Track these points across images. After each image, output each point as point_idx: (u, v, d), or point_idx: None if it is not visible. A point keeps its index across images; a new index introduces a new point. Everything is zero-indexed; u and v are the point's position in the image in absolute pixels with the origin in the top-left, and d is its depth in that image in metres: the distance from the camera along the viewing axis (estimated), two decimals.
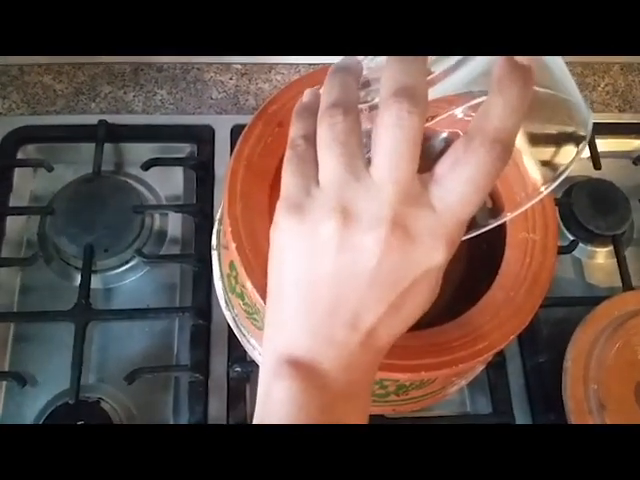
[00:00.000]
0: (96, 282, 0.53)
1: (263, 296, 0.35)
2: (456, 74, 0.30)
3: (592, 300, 0.52)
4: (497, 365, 0.52)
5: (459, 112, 0.34)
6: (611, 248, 0.59)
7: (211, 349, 0.51)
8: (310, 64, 0.67)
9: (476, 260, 0.48)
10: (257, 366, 0.44)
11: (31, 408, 0.50)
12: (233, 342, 0.51)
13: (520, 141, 0.31)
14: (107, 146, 0.58)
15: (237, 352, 0.51)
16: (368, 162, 0.28)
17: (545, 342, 0.53)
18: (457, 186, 0.27)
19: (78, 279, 0.52)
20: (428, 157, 0.30)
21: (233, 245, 0.36)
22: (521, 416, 0.51)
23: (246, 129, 0.39)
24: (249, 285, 0.35)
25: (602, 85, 0.71)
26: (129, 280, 0.55)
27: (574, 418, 0.47)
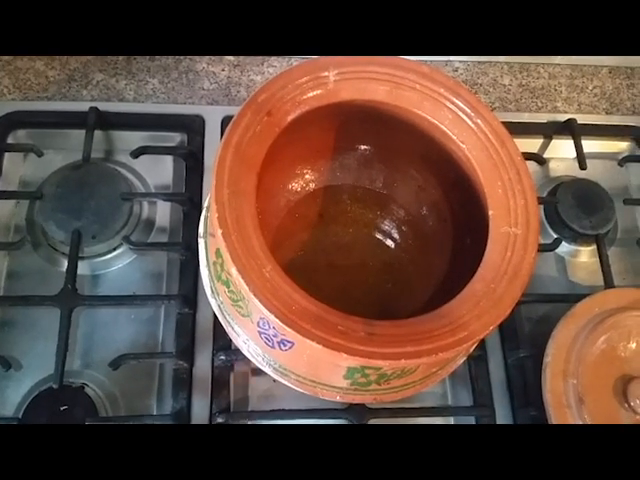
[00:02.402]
0: (83, 268, 0.54)
1: (247, 282, 0.35)
2: None
3: (574, 297, 0.53)
4: (478, 359, 0.53)
5: None
6: (594, 247, 0.59)
7: (196, 337, 0.52)
8: (303, 58, 0.67)
9: (460, 255, 0.49)
10: (241, 355, 0.44)
11: (15, 392, 0.50)
12: (218, 331, 0.51)
13: None
14: (97, 133, 0.58)
15: (222, 341, 0.51)
16: None
17: (527, 337, 0.54)
18: None
19: (65, 265, 0.52)
20: None
21: (219, 231, 0.36)
22: (501, 409, 0.52)
23: (235, 117, 0.39)
24: (234, 271, 0.36)
25: (590, 87, 0.72)
26: (116, 267, 0.55)
27: (553, 412, 0.48)
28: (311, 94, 0.42)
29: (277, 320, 0.35)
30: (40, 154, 0.58)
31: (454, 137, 0.43)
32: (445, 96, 0.43)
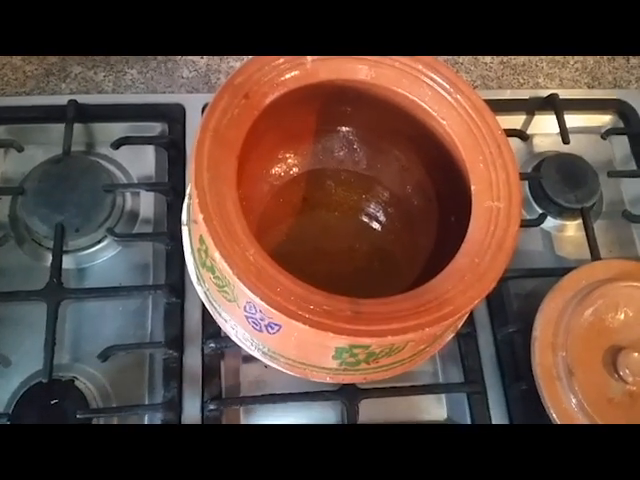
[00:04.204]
0: (68, 262, 0.53)
1: (231, 266, 0.35)
2: None
3: (561, 271, 0.53)
4: (468, 336, 0.53)
5: None
6: (580, 221, 0.59)
7: (185, 326, 0.52)
8: None
9: (445, 233, 0.49)
10: (231, 342, 0.44)
11: (5, 388, 0.49)
12: (207, 318, 0.51)
13: None
14: (77, 126, 0.57)
15: (211, 328, 0.51)
16: None
17: (515, 313, 0.54)
18: None
19: (50, 259, 0.52)
20: None
21: (201, 216, 0.36)
22: (492, 385, 0.52)
23: (212, 101, 0.39)
24: (217, 256, 0.36)
25: (571, 62, 0.72)
26: (101, 260, 0.55)
27: (543, 385, 0.48)
28: (289, 75, 0.41)
29: (263, 303, 0.35)
30: (20, 149, 0.57)
31: (434, 114, 0.43)
32: (424, 72, 0.43)
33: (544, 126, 0.65)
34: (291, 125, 0.49)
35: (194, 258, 0.44)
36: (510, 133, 0.61)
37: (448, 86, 0.43)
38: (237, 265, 0.35)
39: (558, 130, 0.63)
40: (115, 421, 0.49)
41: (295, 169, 0.53)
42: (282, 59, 0.41)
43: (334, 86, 0.44)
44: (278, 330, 0.38)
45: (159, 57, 0.65)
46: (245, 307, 0.39)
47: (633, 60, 0.72)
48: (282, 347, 0.41)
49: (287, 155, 0.53)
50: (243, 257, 0.36)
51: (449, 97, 0.42)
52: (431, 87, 0.43)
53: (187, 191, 0.46)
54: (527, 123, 0.65)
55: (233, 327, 0.43)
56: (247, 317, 0.40)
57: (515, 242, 0.38)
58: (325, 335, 0.35)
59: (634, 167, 0.64)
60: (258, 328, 0.40)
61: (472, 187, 0.41)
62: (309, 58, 0.42)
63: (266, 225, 0.51)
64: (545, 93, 0.65)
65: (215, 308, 0.43)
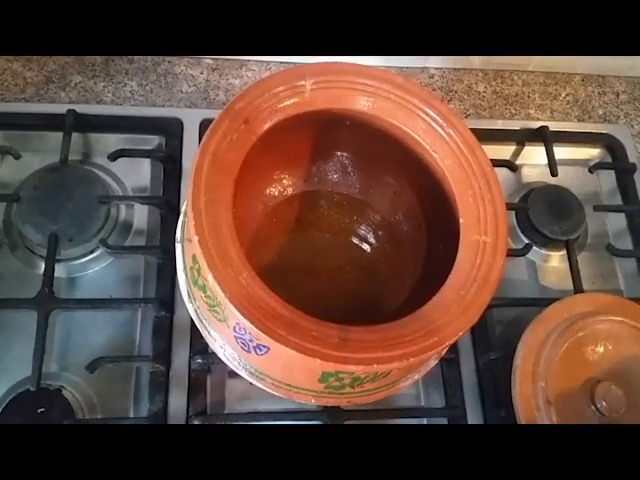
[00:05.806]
0: (60, 271, 0.54)
1: (223, 289, 0.36)
2: None
3: (544, 301, 0.54)
4: (451, 362, 0.54)
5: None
6: (564, 252, 0.61)
7: (173, 340, 0.52)
8: (281, 62, 0.68)
9: (433, 261, 0.50)
10: (218, 358, 0.45)
11: None
12: (195, 334, 0.51)
13: None
14: (75, 136, 0.58)
15: (199, 344, 0.51)
16: None
17: (498, 340, 0.56)
18: None
19: (42, 267, 0.52)
20: None
21: (196, 238, 0.37)
22: (472, 411, 0.53)
23: (212, 125, 0.40)
24: (210, 278, 0.36)
25: (563, 95, 0.73)
26: (93, 270, 0.55)
27: (522, 414, 0.49)
28: (288, 102, 0.42)
29: (252, 326, 0.36)
30: (17, 156, 0.58)
31: (427, 146, 0.44)
32: (418, 106, 0.44)
33: (533, 157, 0.67)
34: (287, 148, 0.50)
35: (186, 275, 0.44)
36: (500, 163, 0.63)
37: (441, 121, 0.44)
38: (229, 288, 0.36)
39: (547, 161, 0.64)
40: None
41: (289, 190, 0.54)
42: (282, 86, 0.42)
43: (331, 114, 0.45)
44: (266, 352, 0.39)
45: (159, 70, 0.66)
46: (234, 328, 0.39)
47: (622, 96, 0.74)
48: (269, 368, 0.42)
49: (282, 176, 0.53)
50: (235, 280, 0.37)
51: (442, 131, 0.44)
52: (425, 121, 0.44)
53: (182, 208, 0.47)
54: (517, 153, 0.67)
55: (222, 346, 0.43)
56: (236, 337, 0.40)
57: (500, 277, 0.40)
58: (312, 361, 0.35)
59: (619, 202, 0.66)
60: (246, 349, 0.40)
61: (460, 220, 0.42)
62: (308, 86, 0.43)
63: (258, 244, 0.52)
64: (536, 125, 0.66)
65: (205, 326, 0.44)
